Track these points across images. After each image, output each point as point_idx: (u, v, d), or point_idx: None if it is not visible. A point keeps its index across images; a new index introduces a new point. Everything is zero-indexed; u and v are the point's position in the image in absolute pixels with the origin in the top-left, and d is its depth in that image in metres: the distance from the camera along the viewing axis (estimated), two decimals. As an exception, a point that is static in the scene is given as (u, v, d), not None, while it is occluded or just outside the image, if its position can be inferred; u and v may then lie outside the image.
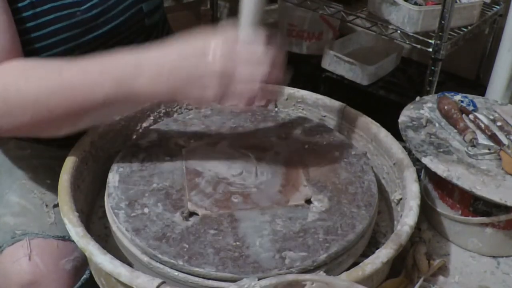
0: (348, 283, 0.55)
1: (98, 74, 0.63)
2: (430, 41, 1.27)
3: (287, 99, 0.90)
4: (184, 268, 0.58)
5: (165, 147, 0.76)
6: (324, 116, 0.87)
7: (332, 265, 0.62)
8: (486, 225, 0.71)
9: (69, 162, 0.71)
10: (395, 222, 0.74)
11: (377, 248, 0.61)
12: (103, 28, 0.78)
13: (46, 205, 0.79)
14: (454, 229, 0.74)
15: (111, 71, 0.63)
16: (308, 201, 0.68)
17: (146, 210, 0.65)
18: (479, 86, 1.53)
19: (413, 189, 0.69)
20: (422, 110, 0.82)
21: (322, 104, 0.87)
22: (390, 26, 1.35)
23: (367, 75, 1.53)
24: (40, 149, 0.86)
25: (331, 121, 0.87)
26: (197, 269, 0.58)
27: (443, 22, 1.22)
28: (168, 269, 0.59)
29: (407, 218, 0.65)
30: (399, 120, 0.80)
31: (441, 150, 0.74)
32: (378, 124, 0.81)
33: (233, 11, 1.97)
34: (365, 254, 0.64)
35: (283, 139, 0.79)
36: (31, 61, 0.68)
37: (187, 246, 0.60)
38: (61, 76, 0.64)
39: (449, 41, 1.26)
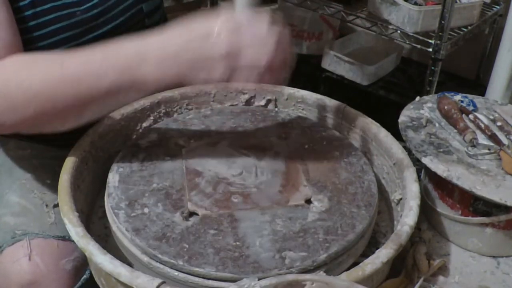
0: (348, 283, 0.55)
1: (101, 64, 0.63)
2: (430, 41, 1.27)
3: (287, 99, 0.90)
4: (184, 268, 0.58)
5: (165, 147, 0.76)
6: (324, 116, 0.87)
7: (332, 265, 0.62)
8: (486, 225, 0.71)
9: (69, 162, 0.71)
10: (395, 222, 0.74)
11: (377, 248, 0.61)
12: (103, 28, 0.78)
13: (46, 205, 0.79)
14: (454, 229, 0.74)
15: (114, 60, 0.63)
16: (308, 201, 0.68)
17: (146, 210, 0.65)
18: (479, 86, 1.54)
19: (413, 189, 0.69)
20: (422, 110, 0.82)
21: (322, 104, 0.87)
22: (390, 26, 1.35)
23: (367, 75, 1.53)
24: (40, 149, 0.86)
25: (331, 121, 0.87)
26: (197, 269, 0.58)
27: (443, 22, 1.22)
28: (168, 269, 0.59)
29: (407, 218, 0.65)
30: (399, 120, 0.80)
31: (441, 150, 0.74)
32: (378, 124, 0.81)
33: (233, 11, 1.96)
34: (365, 254, 0.64)
35: (283, 139, 0.79)
36: (31, 55, 0.68)
37: (187, 246, 0.60)
38: (63, 68, 0.64)
39: (449, 41, 1.26)
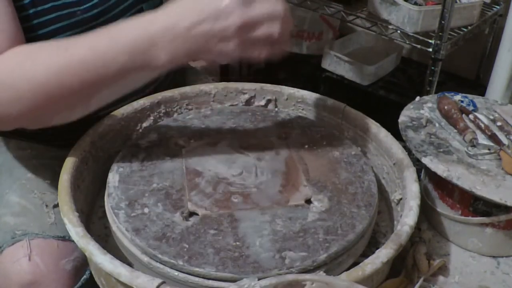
0: (348, 283, 0.55)
1: (108, 49, 0.62)
2: (430, 41, 1.27)
3: (287, 99, 0.90)
4: (184, 268, 0.58)
5: (165, 147, 0.76)
6: (324, 116, 0.87)
7: (332, 265, 0.62)
8: (486, 225, 0.71)
9: (69, 162, 0.71)
10: (395, 222, 0.74)
11: (377, 248, 0.61)
12: (104, 28, 0.78)
13: (46, 205, 0.79)
14: (454, 229, 0.74)
15: (122, 44, 0.62)
16: (308, 201, 0.68)
17: (146, 210, 0.65)
18: (479, 86, 1.54)
19: (413, 189, 0.69)
20: (422, 110, 0.82)
21: (322, 104, 0.87)
22: (390, 26, 1.35)
23: (367, 75, 1.53)
24: (40, 149, 0.86)
25: (331, 121, 0.87)
26: (197, 269, 0.58)
27: (443, 22, 1.22)
28: (168, 269, 0.59)
29: (407, 218, 0.65)
30: (399, 120, 0.80)
31: (441, 150, 0.74)
32: (378, 124, 0.81)
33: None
34: (365, 254, 0.64)
35: (283, 139, 0.79)
36: (34, 44, 0.67)
37: (187, 246, 0.60)
38: (68, 53, 0.63)
39: (449, 41, 1.26)
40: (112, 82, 0.64)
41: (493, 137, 0.74)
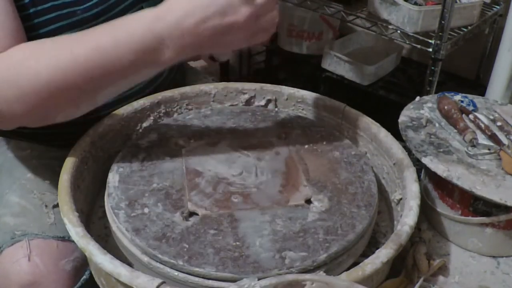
0: (348, 283, 0.55)
1: (113, 48, 0.61)
2: (430, 41, 1.27)
3: (287, 99, 0.90)
4: (184, 268, 0.58)
5: (165, 147, 0.76)
6: (324, 116, 0.87)
7: (332, 265, 0.62)
8: (486, 225, 0.71)
9: (69, 162, 0.71)
10: (395, 222, 0.74)
11: (377, 248, 0.61)
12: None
13: (46, 206, 0.79)
14: (454, 229, 0.74)
15: (127, 43, 0.61)
16: (308, 201, 0.68)
17: (146, 210, 0.65)
18: (479, 86, 1.54)
19: (413, 189, 0.69)
20: (422, 110, 0.82)
21: (322, 104, 0.87)
22: (390, 26, 1.35)
23: (367, 75, 1.53)
24: (40, 149, 0.86)
25: (331, 121, 0.87)
26: (197, 269, 0.58)
27: (443, 22, 1.22)
28: (168, 269, 0.59)
29: (407, 218, 0.65)
30: (399, 120, 0.80)
31: (441, 150, 0.74)
32: (378, 124, 0.81)
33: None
34: (365, 254, 0.64)
35: (283, 139, 0.79)
36: (37, 42, 0.66)
37: (187, 246, 0.60)
38: (73, 54, 0.62)
39: (449, 41, 1.26)
40: (118, 80, 0.64)
41: (493, 137, 0.74)
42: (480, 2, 1.37)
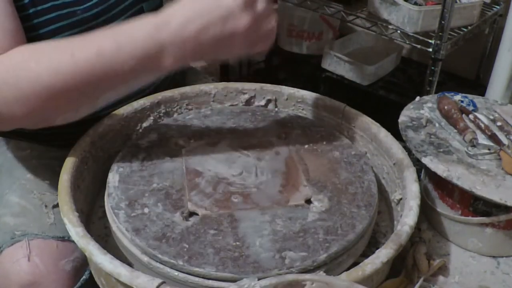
0: (348, 283, 0.55)
1: (115, 54, 0.62)
2: (430, 41, 1.27)
3: (287, 99, 0.90)
4: (184, 268, 0.58)
5: (165, 147, 0.76)
6: (324, 116, 0.87)
7: (332, 265, 0.62)
8: (486, 225, 0.71)
9: (69, 162, 0.71)
10: (395, 222, 0.74)
11: (377, 248, 0.61)
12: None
13: (46, 206, 0.79)
14: (454, 229, 0.74)
15: (129, 49, 0.61)
16: (308, 201, 0.68)
17: (146, 210, 0.65)
18: (479, 86, 1.54)
19: (413, 189, 0.69)
20: (422, 110, 0.82)
21: (322, 104, 0.87)
22: (390, 26, 1.35)
23: (367, 75, 1.53)
24: (40, 150, 0.86)
25: (331, 121, 0.87)
26: (197, 269, 0.58)
27: (443, 22, 1.22)
28: (168, 269, 0.59)
29: (407, 218, 0.65)
30: (399, 120, 0.80)
31: (441, 150, 0.74)
32: (378, 124, 0.81)
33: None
34: (365, 254, 0.64)
35: (283, 139, 0.79)
36: (38, 44, 0.66)
37: (187, 246, 0.60)
38: (74, 57, 0.62)
39: (449, 41, 1.26)
40: (118, 85, 0.65)
41: (493, 137, 0.74)
42: (480, 2, 1.37)
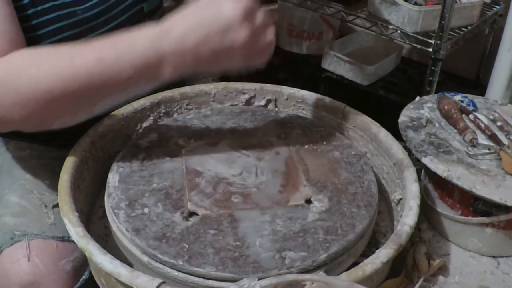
0: (348, 283, 0.55)
1: (115, 61, 0.62)
2: (430, 41, 1.27)
3: (287, 99, 0.90)
4: (184, 268, 0.58)
5: (165, 147, 0.76)
6: (324, 116, 0.87)
7: (332, 265, 0.62)
8: (486, 225, 0.71)
9: (69, 162, 0.71)
10: (395, 222, 0.74)
11: (377, 248, 0.61)
12: (104, 28, 0.78)
13: (46, 206, 0.79)
14: (454, 229, 0.74)
15: (129, 57, 0.62)
16: (308, 201, 0.68)
17: (146, 210, 0.65)
18: (479, 86, 1.53)
19: (413, 189, 0.69)
20: (422, 110, 0.82)
21: (322, 104, 0.87)
22: (390, 26, 1.35)
23: (367, 75, 1.53)
24: (40, 150, 0.86)
25: (331, 121, 0.87)
26: (197, 269, 0.58)
27: (443, 22, 1.22)
28: (168, 269, 0.59)
29: (407, 218, 0.65)
30: (399, 120, 0.80)
31: (441, 150, 0.74)
32: (378, 124, 0.81)
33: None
34: (365, 254, 0.64)
35: (283, 139, 0.79)
36: (38, 49, 0.66)
37: (187, 246, 0.60)
38: (73, 64, 0.62)
39: (449, 41, 1.26)
40: (117, 92, 0.65)
41: (493, 137, 0.74)
42: (480, 2, 1.37)
